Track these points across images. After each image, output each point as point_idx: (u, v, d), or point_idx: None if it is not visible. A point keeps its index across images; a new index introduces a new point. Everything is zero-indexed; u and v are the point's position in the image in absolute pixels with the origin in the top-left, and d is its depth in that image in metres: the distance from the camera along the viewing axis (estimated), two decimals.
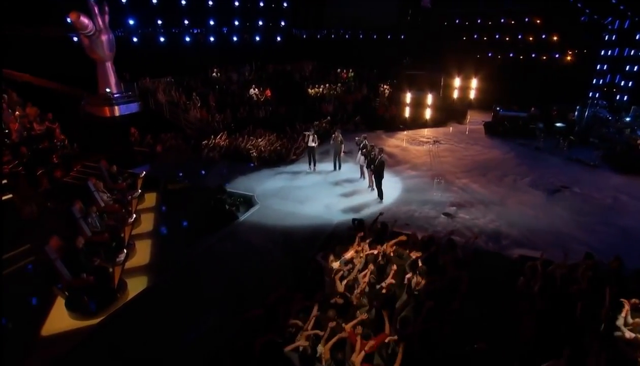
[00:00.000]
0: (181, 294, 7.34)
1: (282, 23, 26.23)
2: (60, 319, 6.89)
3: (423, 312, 5.68)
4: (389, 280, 6.64)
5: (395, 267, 6.89)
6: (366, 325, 5.73)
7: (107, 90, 15.51)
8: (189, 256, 8.54)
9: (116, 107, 15.70)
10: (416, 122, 19.70)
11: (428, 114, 19.95)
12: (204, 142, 15.57)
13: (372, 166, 11.20)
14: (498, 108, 19.30)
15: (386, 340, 5.47)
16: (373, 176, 11.41)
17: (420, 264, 6.89)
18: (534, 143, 16.27)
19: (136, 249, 8.84)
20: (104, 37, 14.76)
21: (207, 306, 6.97)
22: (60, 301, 7.13)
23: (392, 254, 7.44)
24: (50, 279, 6.98)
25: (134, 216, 9.37)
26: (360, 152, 12.30)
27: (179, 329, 6.46)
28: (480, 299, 6.56)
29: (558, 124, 17.06)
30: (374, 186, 11.57)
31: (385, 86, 24.55)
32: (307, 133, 13.45)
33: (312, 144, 13.25)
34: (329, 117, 19.21)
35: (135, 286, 7.67)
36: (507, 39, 25.04)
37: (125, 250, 7.79)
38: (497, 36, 25.35)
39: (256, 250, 8.67)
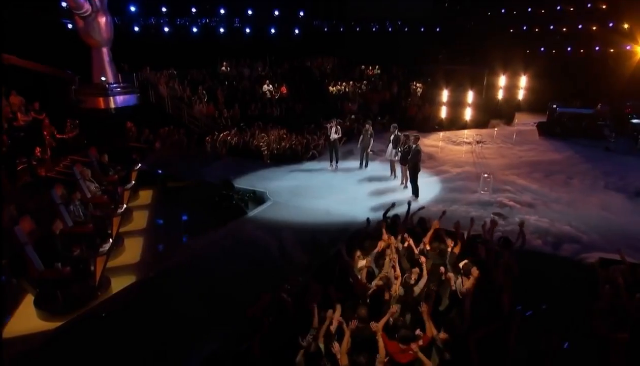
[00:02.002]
0: (174, 294, 6.85)
1: (301, 14, 26.50)
2: (26, 319, 6.49)
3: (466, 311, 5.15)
4: (424, 277, 6.17)
5: (423, 260, 6.46)
6: (404, 326, 5.18)
7: (103, 79, 15.70)
8: (185, 253, 8.15)
9: (112, 99, 15.87)
10: (454, 123, 19.39)
11: (468, 114, 19.53)
12: (207, 138, 15.46)
13: (407, 158, 10.73)
14: (555, 106, 18.62)
15: (422, 344, 4.89)
16: (407, 170, 10.92)
17: (463, 262, 6.39)
18: (603, 143, 15.52)
19: (125, 246, 8.54)
20: (101, 19, 15.04)
21: (204, 310, 6.45)
22: (29, 298, 6.77)
23: (430, 251, 6.99)
24: (19, 271, 6.61)
25: (124, 206, 9.07)
26: (390, 144, 11.87)
27: (166, 339, 5.93)
28: (550, 313, 5.94)
29: (635, 121, 16.27)
30: (407, 183, 11.11)
31: (418, 84, 24.35)
32: (329, 125, 13.13)
33: (334, 136, 12.88)
34: (352, 116, 19.01)
35: (120, 285, 7.26)
36: (564, 30, 24.43)
37: (110, 240, 7.42)
38: (551, 27, 24.78)
39: (267, 249, 8.18)
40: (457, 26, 26.80)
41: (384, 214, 8.16)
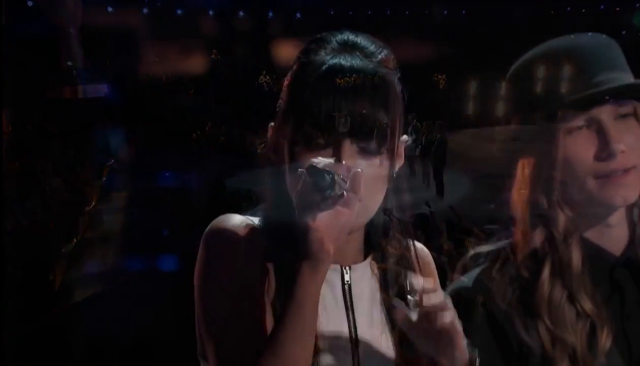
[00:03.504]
0: (150, 304, 6.72)
1: None
2: None
3: None
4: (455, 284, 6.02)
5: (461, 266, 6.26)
6: None
7: (69, 63, 15.78)
8: (165, 258, 8.05)
9: (80, 87, 15.92)
10: (484, 119, 19.44)
11: (501, 108, 19.55)
12: (194, 135, 15.55)
13: (430, 151, 10.69)
14: (608, 98, 18.54)
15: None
16: (430, 166, 10.89)
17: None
18: None
19: (93, 250, 8.47)
20: None
21: (185, 321, 6.28)
22: None
23: (457, 255, 6.82)
24: None
25: (93, 205, 9.07)
26: (409, 136, 11.84)
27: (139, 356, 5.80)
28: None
29: None
30: (429, 182, 11.07)
31: (440, 76, 24.49)
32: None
33: (342, 130, 12.84)
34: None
35: (86, 294, 7.19)
36: (617, 9, 24.29)
37: (75, 239, 7.38)
38: (602, 7, 24.66)
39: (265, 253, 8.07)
40: (488, 8, 26.91)
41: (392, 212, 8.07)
